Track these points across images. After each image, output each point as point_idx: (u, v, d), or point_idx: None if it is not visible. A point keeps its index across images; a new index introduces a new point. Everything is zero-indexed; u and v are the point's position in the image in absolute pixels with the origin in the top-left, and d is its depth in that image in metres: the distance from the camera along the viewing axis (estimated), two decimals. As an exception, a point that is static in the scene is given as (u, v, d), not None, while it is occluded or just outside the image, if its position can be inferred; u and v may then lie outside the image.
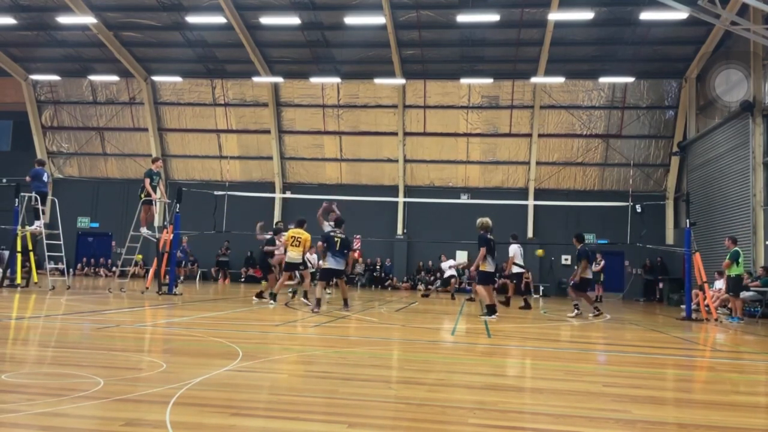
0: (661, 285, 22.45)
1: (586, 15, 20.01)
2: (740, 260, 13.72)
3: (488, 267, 11.27)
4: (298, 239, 12.45)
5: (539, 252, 19.18)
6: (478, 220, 11.83)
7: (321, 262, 11.68)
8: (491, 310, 11.10)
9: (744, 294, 14.38)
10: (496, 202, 23.23)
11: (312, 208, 15.99)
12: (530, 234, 24.97)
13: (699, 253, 13.78)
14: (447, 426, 3.68)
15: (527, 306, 14.51)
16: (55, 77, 26.85)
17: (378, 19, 21.58)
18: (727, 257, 13.70)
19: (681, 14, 17.73)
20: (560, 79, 23.95)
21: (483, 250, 11.22)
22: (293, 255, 12.46)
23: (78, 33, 24.24)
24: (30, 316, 9.24)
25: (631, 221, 18.61)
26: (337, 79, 25.36)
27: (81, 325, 8.11)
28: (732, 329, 11.80)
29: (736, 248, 13.86)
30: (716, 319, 13.23)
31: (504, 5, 20.74)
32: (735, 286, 13.75)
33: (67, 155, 28.66)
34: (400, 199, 25.83)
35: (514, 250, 14.69)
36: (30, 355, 5.78)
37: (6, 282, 14.52)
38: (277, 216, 27.04)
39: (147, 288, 14.89)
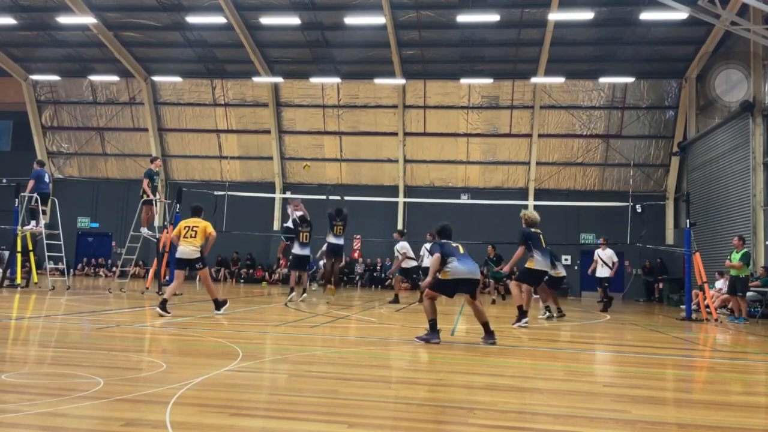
0: (660, 285, 22.44)
1: (586, 15, 20.01)
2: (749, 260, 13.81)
3: (535, 265, 9.86)
4: (194, 228, 9.97)
5: None
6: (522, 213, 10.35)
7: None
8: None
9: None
10: (496, 202, 23.22)
11: (312, 208, 15.99)
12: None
13: (699, 253, 13.77)
14: (447, 426, 3.68)
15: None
16: (55, 77, 26.86)
17: (378, 19, 21.58)
18: (739, 258, 13.63)
19: (681, 14, 17.73)
20: (560, 80, 23.96)
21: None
22: (188, 249, 9.86)
23: (78, 33, 24.24)
24: (30, 316, 9.24)
25: (631, 221, 18.60)
26: (337, 79, 25.37)
27: (81, 325, 8.11)
28: (732, 329, 11.80)
29: (746, 249, 13.89)
30: (716, 320, 13.22)
31: (504, 5, 20.73)
32: (744, 286, 13.75)
33: (67, 155, 28.67)
34: (400, 199, 25.82)
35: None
36: (30, 355, 5.78)
37: (6, 282, 14.52)
38: (277, 216, 27.08)
39: (147, 288, 14.90)
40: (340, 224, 14.25)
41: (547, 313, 11.99)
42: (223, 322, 9.05)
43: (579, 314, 14.04)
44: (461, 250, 7.67)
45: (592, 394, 4.78)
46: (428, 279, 7.77)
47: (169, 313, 9.31)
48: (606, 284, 15.45)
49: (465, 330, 9.18)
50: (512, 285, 9.91)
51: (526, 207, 24.84)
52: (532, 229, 9.89)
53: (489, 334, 7.54)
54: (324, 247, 15.57)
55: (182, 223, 10.19)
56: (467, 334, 8.71)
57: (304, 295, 14.40)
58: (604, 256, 15.24)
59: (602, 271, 15.24)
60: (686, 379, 6.22)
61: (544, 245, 9.82)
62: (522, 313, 9.73)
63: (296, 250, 14.09)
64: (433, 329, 7.44)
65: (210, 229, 10.04)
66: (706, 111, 22.16)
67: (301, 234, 14.04)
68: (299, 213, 14.46)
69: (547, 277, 11.96)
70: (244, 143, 27.41)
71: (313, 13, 22.32)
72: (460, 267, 7.46)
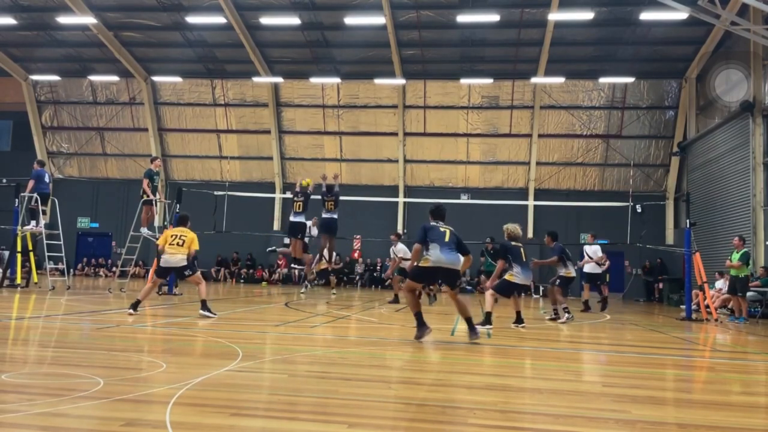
0: (660, 285, 22.42)
1: (586, 15, 20.01)
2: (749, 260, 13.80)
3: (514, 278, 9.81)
4: (182, 237, 9.98)
5: None
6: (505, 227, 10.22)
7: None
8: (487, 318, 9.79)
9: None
10: (496, 202, 23.23)
11: (312, 208, 16.07)
12: (530, 234, 24.94)
13: (699, 253, 13.77)
14: (447, 426, 3.68)
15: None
16: (55, 77, 26.85)
17: (378, 19, 21.58)
18: (738, 258, 13.60)
19: (681, 14, 17.73)
20: (560, 80, 23.95)
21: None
22: (176, 257, 9.84)
23: (78, 33, 24.24)
24: (30, 316, 9.25)
25: (631, 221, 18.61)
26: (337, 80, 25.36)
27: (81, 325, 8.11)
28: (732, 329, 11.80)
29: (746, 249, 13.87)
30: (716, 320, 13.22)
31: (504, 5, 20.74)
32: (743, 286, 13.74)
33: (67, 155, 28.66)
34: (400, 199, 25.82)
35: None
36: (30, 355, 5.79)
37: (6, 282, 14.52)
38: (277, 216, 27.08)
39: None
40: (331, 200, 15.49)
41: (567, 315, 11.55)
42: (223, 321, 9.05)
43: (579, 314, 14.02)
44: (447, 238, 7.52)
45: (592, 394, 4.79)
46: (409, 264, 7.88)
47: (137, 312, 9.29)
48: (598, 282, 15.29)
49: (465, 330, 9.16)
50: (488, 293, 9.87)
51: (526, 207, 25.12)
52: (513, 243, 9.83)
53: (472, 330, 7.50)
54: (317, 256, 16.82)
55: (168, 232, 10.19)
56: (467, 334, 8.69)
57: (305, 285, 15.26)
58: (590, 251, 15.18)
59: (586, 267, 15.14)
60: (686, 379, 6.22)
61: (524, 259, 9.76)
62: (487, 318, 9.60)
63: (290, 217, 15.78)
64: (420, 322, 7.40)
65: (196, 243, 10.05)
66: (706, 111, 22.16)
67: (294, 203, 15.60)
68: (333, 182, 15.71)
69: (558, 278, 11.79)
70: (244, 143, 27.41)
71: (313, 13, 22.32)
72: (440, 255, 7.41)
